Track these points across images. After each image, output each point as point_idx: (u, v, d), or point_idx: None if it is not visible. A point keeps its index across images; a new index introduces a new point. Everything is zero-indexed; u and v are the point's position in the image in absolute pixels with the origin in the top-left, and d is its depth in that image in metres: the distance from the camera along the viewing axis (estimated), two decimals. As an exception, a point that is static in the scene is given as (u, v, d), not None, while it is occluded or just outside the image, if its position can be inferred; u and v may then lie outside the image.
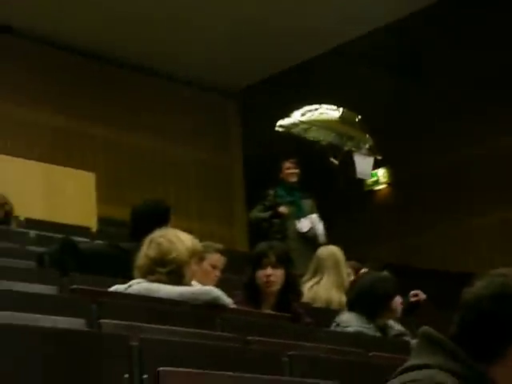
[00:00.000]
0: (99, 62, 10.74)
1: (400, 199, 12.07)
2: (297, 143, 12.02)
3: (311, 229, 6.92)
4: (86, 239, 5.92)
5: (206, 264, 4.56)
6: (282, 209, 7.04)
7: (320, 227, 6.96)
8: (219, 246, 4.84)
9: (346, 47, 10.45)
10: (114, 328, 2.79)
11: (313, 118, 7.17)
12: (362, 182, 12.15)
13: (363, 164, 7.10)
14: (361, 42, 10.31)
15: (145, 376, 2.40)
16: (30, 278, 3.85)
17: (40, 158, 9.47)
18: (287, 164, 7.30)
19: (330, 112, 7.20)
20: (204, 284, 3.98)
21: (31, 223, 6.85)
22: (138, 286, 3.52)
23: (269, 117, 11.44)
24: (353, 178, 12.35)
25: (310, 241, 6.77)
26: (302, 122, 7.06)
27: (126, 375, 2.39)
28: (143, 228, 4.37)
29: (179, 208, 11.44)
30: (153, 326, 2.93)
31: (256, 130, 11.46)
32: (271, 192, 7.23)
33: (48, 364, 2.29)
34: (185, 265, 3.57)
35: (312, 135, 7.19)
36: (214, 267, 4.67)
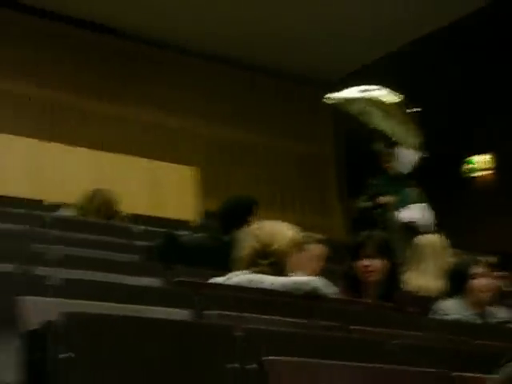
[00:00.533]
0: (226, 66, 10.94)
1: (499, 185, 11.81)
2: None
3: (414, 219, 6.83)
4: (187, 232, 6.02)
5: (307, 254, 4.58)
6: (383, 199, 6.99)
7: (428, 216, 6.84)
8: (320, 236, 4.85)
9: (439, 33, 10.27)
10: (217, 318, 2.84)
11: (370, 96, 6.71)
12: (460, 168, 11.96)
13: (406, 157, 6.80)
14: (454, 27, 10.11)
15: (250, 366, 2.43)
16: (136, 271, 3.96)
17: (142, 154, 9.72)
18: (385, 155, 7.25)
19: (389, 96, 6.77)
20: (306, 274, 4.00)
21: (136, 218, 7.01)
22: (238, 277, 3.57)
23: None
24: (450, 164, 12.23)
25: (412, 231, 6.66)
26: (358, 100, 6.66)
27: (231, 365, 2.43)
28: (232, 222, 4.45)
29: (277, 200, 11.53)
30: (255, 316, 2.96)
31: (348, 122, 11.40)
32: (374, 181, 7.18)
33: (163, 353, 2.36)
34: (286, 256, 3.59)
35: (364, 117, 6.82)
36: (315, 257, 4.68)
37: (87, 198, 6.19)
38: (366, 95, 6.67)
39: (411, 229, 6.67)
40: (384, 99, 6.67)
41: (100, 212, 6.16)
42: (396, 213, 6.89)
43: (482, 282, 4.35)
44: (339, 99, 6.69)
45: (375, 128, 6.66)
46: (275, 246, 3.57)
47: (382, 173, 7.21)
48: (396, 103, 6.74)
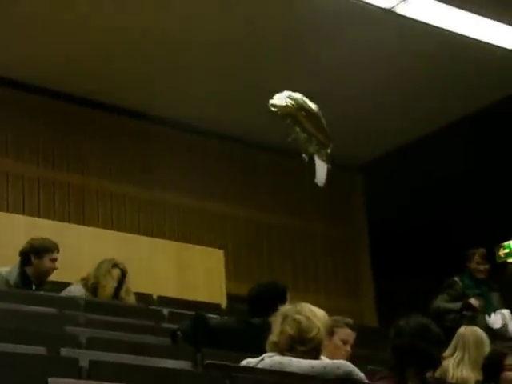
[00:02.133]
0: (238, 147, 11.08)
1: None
2: (423, 216, 11.91)
3: (503, 325, 6.51)
4: (216, 315, 6.04)
5: (336, 339, 4.57)
6: (475, 302, 6.64)
7: (511, 323, 6.51)
8: (349, 320, 4.83)
9: (477, 115, 10.36)
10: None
11: (302, 101, 6.13)
12: (493, 253, 11.86)
13: (321, 170, 6.27)
14: (490, 111, 10.19)
15: None
16: (166, 354, 3.98)
17: (170, 237, 9.80)
18: (477, 257, 6.88)
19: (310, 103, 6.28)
20: (334, 359, 3.98)
21: (164, 301, 7.05)
22: (270, 359, 3.56)
23: (394, 189, 11.43)
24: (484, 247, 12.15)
25: (498, 336, 6.28)
26: (293, 103, 6.17)
27: None
28: (263, 307, 4.47)
29: (306, 282, 11.52)
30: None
31: (381, 204, 11.46)
32: (458, 281, 6.82)
33: None
34: (322, 342, 3.57)
35: (295, 125, 6.28)
36: (344, 342, 4.66)
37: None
38: (297, 97, 6.15)
39: (498, 335, 6.34)
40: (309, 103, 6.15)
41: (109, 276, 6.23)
42: (486, 317, 6.58)
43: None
44: (279, 107, 6.08)
45: (296, 138, 6.14)
46: (313, 334, 3.52)
47: (464, 272, 6.81)
48: (317, 110, 6.19)
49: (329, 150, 6.18)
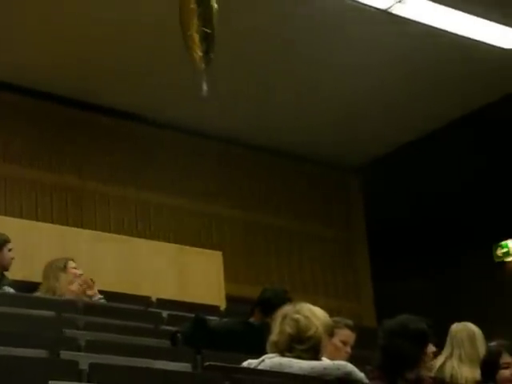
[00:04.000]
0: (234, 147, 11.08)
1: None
2: (421, 217, 11.90)
3: None
4: (215, 317, 6.05)
5: (336, 340, 4.57)
6: None
7: None
8: (349, 321, 4.84)
9: (474, 116, 10.38)
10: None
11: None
12: (491, 253, 11.87)
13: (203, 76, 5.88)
14: (486, 110, 10.22)
15: None
16: (165, 356, 3.98)
17: (168, 239, 9.79)
18: None
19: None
20: (334, 359, 3.99)
21: (162, 303, 7.05)
22: (270, 360, 3.57)
23: (392, 191, 11.44)
24: (480, 249, 12.18)
25: None
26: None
27: None
28: (266, 312, 4.47)
29: (306, 284, 11.52)
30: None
31: (379, 205, 11.47)
32: None
33: None
34: (321, 341, 3.58)
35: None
36: (344, 343, 4.67)
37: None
38: None
39: None
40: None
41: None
42: None
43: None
44: None
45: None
46: (311, 332, 3.55)
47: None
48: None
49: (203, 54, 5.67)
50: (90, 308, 5.69)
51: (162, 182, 10.43)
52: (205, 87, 5.83)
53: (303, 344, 3.53)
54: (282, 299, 4.65)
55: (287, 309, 3.68)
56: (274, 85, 9.62)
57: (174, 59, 8.75)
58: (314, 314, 3.61)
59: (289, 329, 3.56)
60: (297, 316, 3.58)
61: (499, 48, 8.97)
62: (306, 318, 3.58)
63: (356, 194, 12.13)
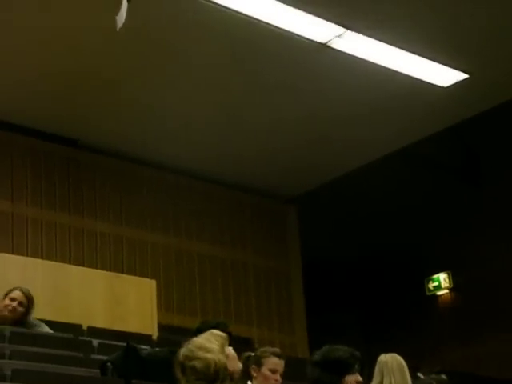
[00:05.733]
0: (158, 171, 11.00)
1: (461, 304, 11.88)
2: (358, 250, 12.02)
3: None
4: (147, 347, 5.95)
5: (264, 369, 4.55)
6: None
7: None
8: (276, 349, 4.81)
9: (406, 151, 10.55)
10: None
11: None
12: (422, 287, 12.04)
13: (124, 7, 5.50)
14: (421, 145, 10.41)
15: None
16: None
17: (101, 266, 9.65)
18: None
19: None
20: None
21: (94, 331, 6.92)
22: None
23: (327, 222, 11.53)
24: (412, 282, 12.34)
25: None
26: None
27: None
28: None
29: (240, 314, 11.47)
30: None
31: (315, 236, 11.55)
32: None
33: None
34: (226, 366, 3.42)
35: None
36: (273, 371, 4.64)
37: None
38: None
39: None
40: None
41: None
42: None
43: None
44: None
45: None
46: (213, 369, 3.35)
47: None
48: None
49: None
50: (18, 336, 5.54)
51: (95, 209, 10.31)
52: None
53: (217, 380, 3.38)
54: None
55: (180, 358, 3.42)
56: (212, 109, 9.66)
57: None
58: (206, 349, 3.39)
59: (193, 377, 3.36)
60: (191, 363, 3.36)
61: (436, 86, 9.16)
62: (200, 359, 3.36)
63: (292, 224, 12.17)
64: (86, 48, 8.32)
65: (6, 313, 5.95)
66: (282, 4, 7.72)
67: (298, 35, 8.12)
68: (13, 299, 6.06)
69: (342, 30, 8.06)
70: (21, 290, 6.17)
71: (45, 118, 9.58)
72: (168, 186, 11.11)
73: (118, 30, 5.40)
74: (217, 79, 8.94)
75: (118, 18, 5.42)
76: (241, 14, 7.80)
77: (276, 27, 8.02)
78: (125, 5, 5.43)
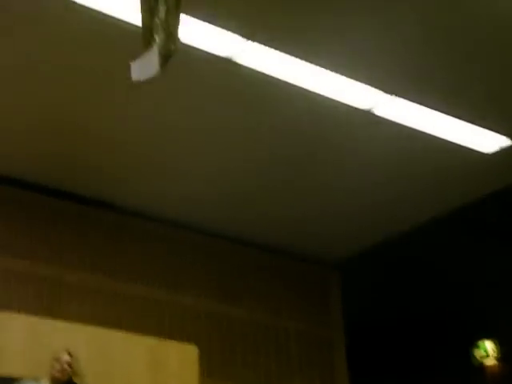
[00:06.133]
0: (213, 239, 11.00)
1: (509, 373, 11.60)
2: (401, 315, 11.84)
3: None
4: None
5: None
6: None
7: None
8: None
9: (450, 216, 10.45)
10: None
11: None
12: (470, 356, 11.79)
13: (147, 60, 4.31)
14: (465, 210, 10.31)
15: None
16: None
17: (144, 332, 9.62)
18: None
19: None
20: None
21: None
22: None
23: (370, 287, 11.42)
24: (457, 350, 12.09)
25: None
26: None
27: None
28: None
29: (282, 380, 11.32)
30: None
31: (357, 301, 11.43)
32: None
33: None
34: None
35: None
36: None
37: None
38: None
39: None
40: None
41: None
42: None
43: None
44: None
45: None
46: None
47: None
48: None
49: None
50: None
51: (139, 273, 10.33)
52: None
53: None
54: None
55: None
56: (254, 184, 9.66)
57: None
58: None
59: None
60: None
61: (478, 152, 9.09)
62: None
63: (335, 290, 12.06)
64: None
65: (57, 374, 6.10)
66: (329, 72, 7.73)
67: (341, 102, 8.14)
68: (62, 362, 6.24)
69: (386, 96, 8.06)
70: (68, 353, 6.35)
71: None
72: (212, 251, 11.11)
73: (133, 80, 4.27)
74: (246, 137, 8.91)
75: (133, 66, 4.28)
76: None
77: (331, 99, 8.04)
78: (153, 56, 4.19)
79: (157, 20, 4.20)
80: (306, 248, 11.37)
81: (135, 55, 4.26)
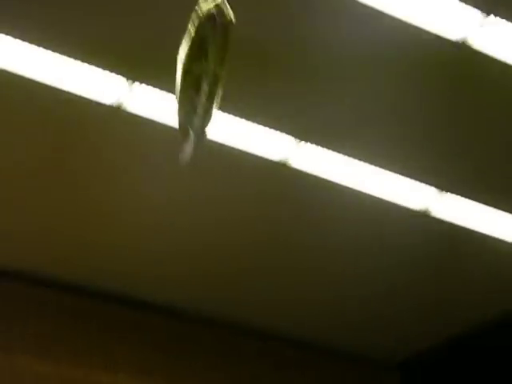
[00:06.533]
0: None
1: None
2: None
3: None
4: None
5: None
6: None
7: None
8: None
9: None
10: None
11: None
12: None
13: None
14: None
15: None
16: None
17: None
18: None
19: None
20: None
21: None
22: None
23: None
24: None
25: None
26: None
27: None
28: None
29: None
30: None
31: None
32: None
33: None
34: None
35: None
36: None
37: None
38: None
39: None
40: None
41: None
42: None
43: None
44: None
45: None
46: None
47: None
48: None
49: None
50: None
51: (134, 365, 10.10)
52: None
53: None
54: None
55: None
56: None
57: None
58: None
59: None
60: None
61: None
62: None
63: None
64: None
65: None
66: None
67: (396, 204, 8.07)
68: None
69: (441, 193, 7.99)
70: None
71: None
72: (243, 349, 10.77)
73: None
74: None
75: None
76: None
77: (375, 198, 7.99)
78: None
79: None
80: (361, 348, 11.08)
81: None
